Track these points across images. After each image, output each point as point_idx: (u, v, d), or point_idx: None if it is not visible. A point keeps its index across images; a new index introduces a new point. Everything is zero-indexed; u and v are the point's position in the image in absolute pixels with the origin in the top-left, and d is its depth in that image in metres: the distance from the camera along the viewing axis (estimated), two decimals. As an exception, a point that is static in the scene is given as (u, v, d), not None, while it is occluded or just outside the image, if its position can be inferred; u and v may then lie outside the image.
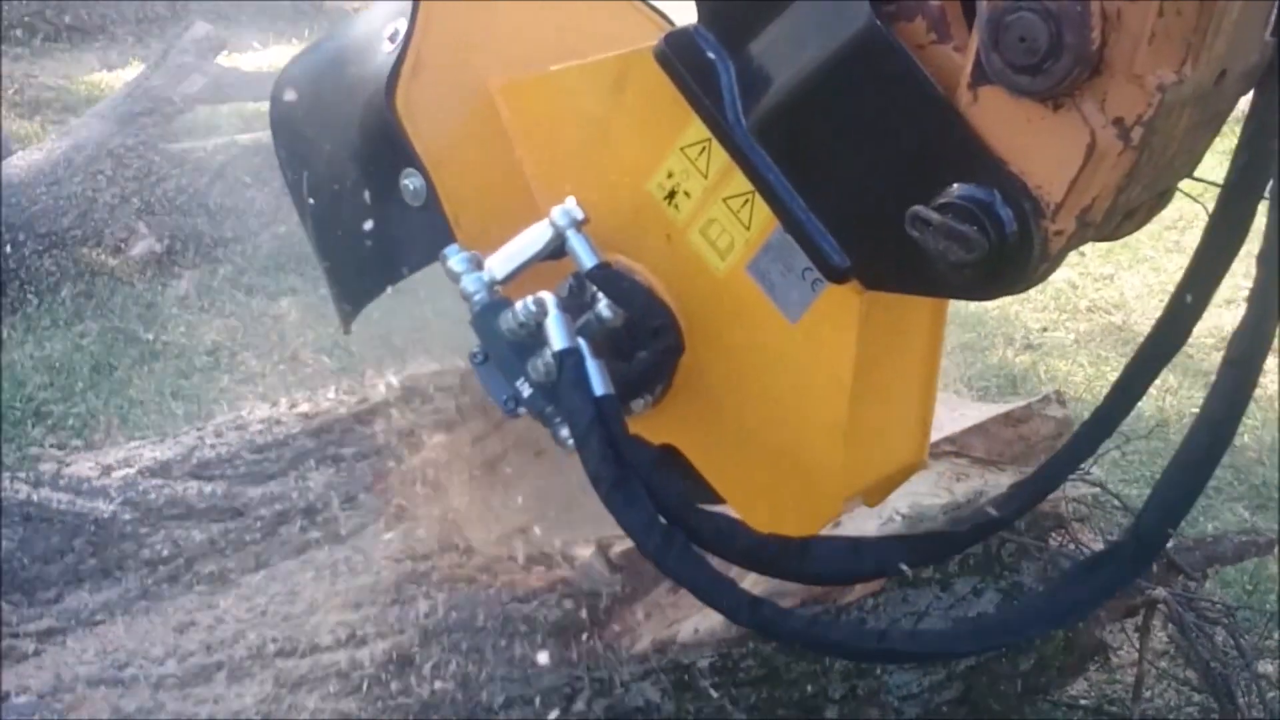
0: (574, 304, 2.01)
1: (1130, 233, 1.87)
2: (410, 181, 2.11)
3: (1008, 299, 5.00)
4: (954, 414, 2.95)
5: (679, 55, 1.88)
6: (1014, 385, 4.83)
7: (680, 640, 2.43)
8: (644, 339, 2.01)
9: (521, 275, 1.99)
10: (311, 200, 2.28)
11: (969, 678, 2.73)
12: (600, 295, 1.99)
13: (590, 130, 2.07)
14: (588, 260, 1.97)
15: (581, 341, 1.87)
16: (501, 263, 1.97)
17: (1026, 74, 1.58)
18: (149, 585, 2.35)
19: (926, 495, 2.65)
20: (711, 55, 1.86)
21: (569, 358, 1.83)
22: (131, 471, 2.47)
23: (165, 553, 2.38)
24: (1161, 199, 1.85)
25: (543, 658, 2.28)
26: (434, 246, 2.02)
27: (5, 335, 4.86)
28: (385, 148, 2.12)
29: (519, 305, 1.90)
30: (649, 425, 2.11)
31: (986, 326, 5.33)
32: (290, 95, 2.31)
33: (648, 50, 1.91)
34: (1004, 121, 1.64)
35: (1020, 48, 1.57)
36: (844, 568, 1.91)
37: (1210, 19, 1.57)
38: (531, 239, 1.97)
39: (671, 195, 1.99)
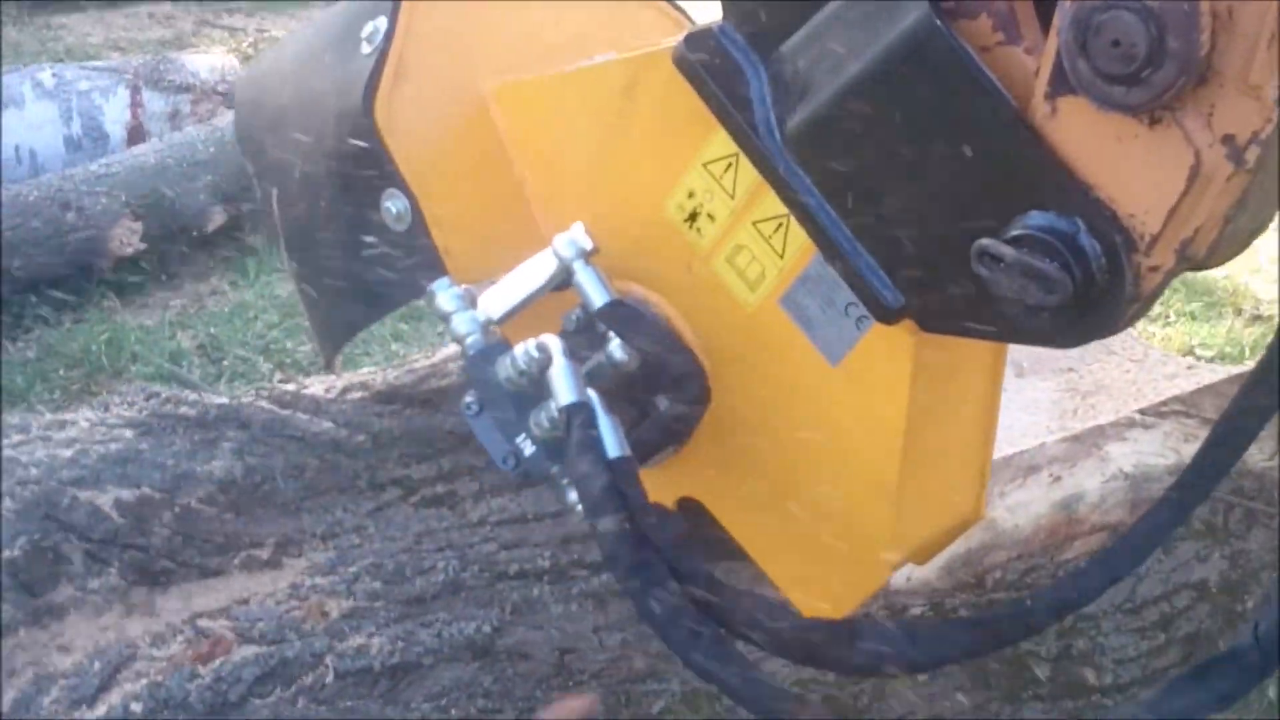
0: (582, 341, 1.76)
1: (1229, 259, 1.61)
2: (393, 204, 1.85)
3: (1239, 263, 4.77)
4: (1174, 378, 2.78)
5: (701, 59, 1.62)
6: (1244, 356, 4.45)
7: (894, 587, 2.29)
8: (664, 386, 1.76)
9: (522, 312, 1.74)
10: (283, 223, 2.03)
11: (1188, 644, 2.57)
12: (613, 334, 1.74)
13: (599, 142, 1.81)
14: (598, 297, 1.72)
15: (593, 394, 1.62)
16: (498, 300, 1.71)
17: (1121, 84, 1.32)
18: (380, 505, 2.32)
19: (1153, 455, 2.47)
20: (739, 59, 1.60)
21: (578, 414, 1.59)
22: (365, 396, 2.43)
23: (395, 476, 2.35)
24: (1265, 223, 1.59)
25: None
26: (421, 278, 1.77)
27: (237, 277, 4.97)
28: (364, 165, 1.86)
29: (519, 350, 1.64)
30: (668, 475, 1.88)
31: (1214, 296, 4.98)
32: (254, 103, 2.05)
33: (664, 52, 1.65)
34: (1089, 138, 1.38)
35: (1114, 53, 1.31)
36: (900, 658, 1.65)
37: None
38: (533, 272, 1.72)
39: (693, 217, 1.74)
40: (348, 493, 2.27)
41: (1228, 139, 1.32)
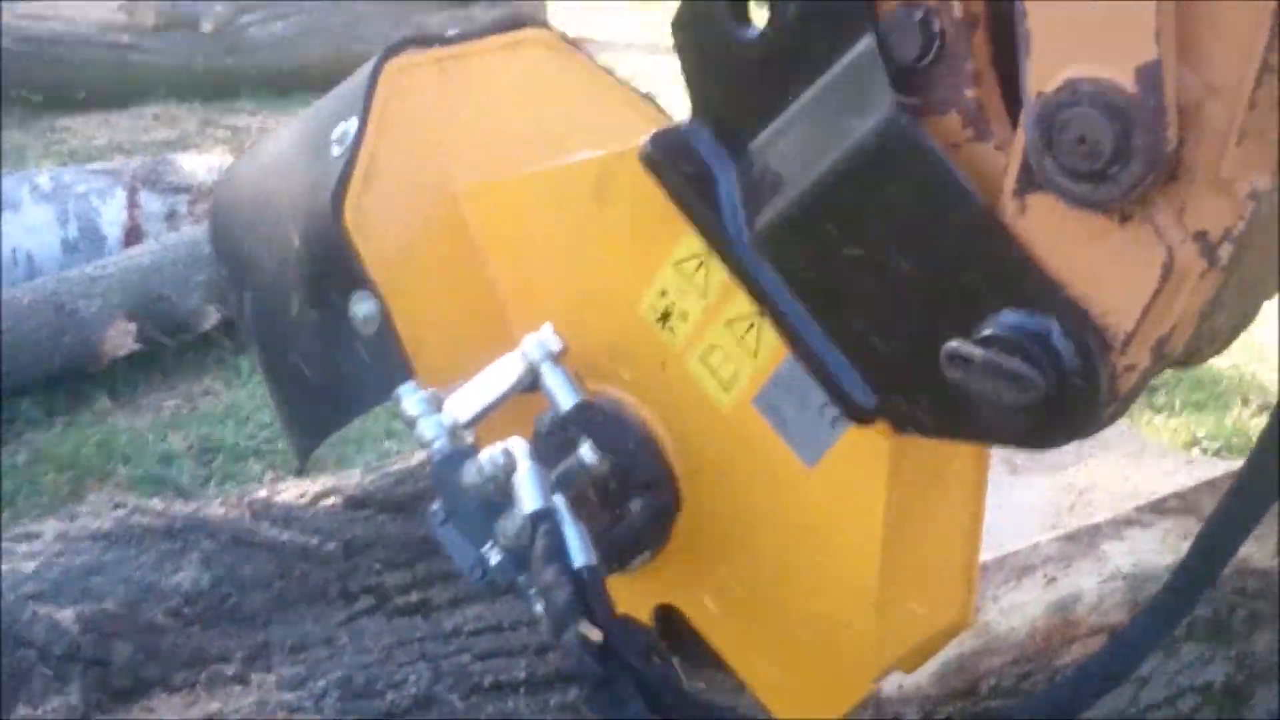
0: (553, 444, 1.72)
1: (1211, 357, 1.57)
2: (361, 306, 1.82)
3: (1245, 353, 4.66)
4: (1172, 474, 2.73)
5: (668, 158, 1.60)
6: (1249, 448, 4.42)
7: (884, 695, 2.23)
8: (635, 489, 1.71)
9: (494, 414, 1.70)
10: (255, 324, 2.00)
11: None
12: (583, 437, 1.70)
13: (571, 242, 1.79)
14: (566, 400, 1.68)
15: (559, 500, 1.58)
16: (465, 403, 1.67)
17: (1088, 181, 1.29)
18: (352, 615, 2.30)
19: (1151, 554, 2.43)
20: (707, 157, 1.58)
21: (543, 522, 1.54)
22: (338, 501, 2.43)
23: (367, 584, 2.34)
24: (1248, 318, 1.56)
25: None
26: (390, 380, 1.73)
27: (231, 377, 4.94)
28: (333, 266, 1.83)
29: (485, 455, 1.61)
30: (645, 582, 1.82)
31: (1220, 386, 4.92)
32: (228, 204, 2.03)
33: (634, 151, 1.63)
34: (1060, 236, 1.35)
35: (1080, 150, 1.28)
36: None
37: None
38: (500, 374, 1.69)
39: (666, 317, 1.71)
40: (318, 603, 2.24)
41: (1200, 236, 1.29)
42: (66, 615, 2.05)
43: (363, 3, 7.87)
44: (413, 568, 2.31)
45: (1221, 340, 1.55)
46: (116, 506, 2.21)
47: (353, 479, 2.42)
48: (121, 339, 4.72)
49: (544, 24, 2.07)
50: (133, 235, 5.37)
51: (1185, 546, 2.37)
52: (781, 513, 1.70)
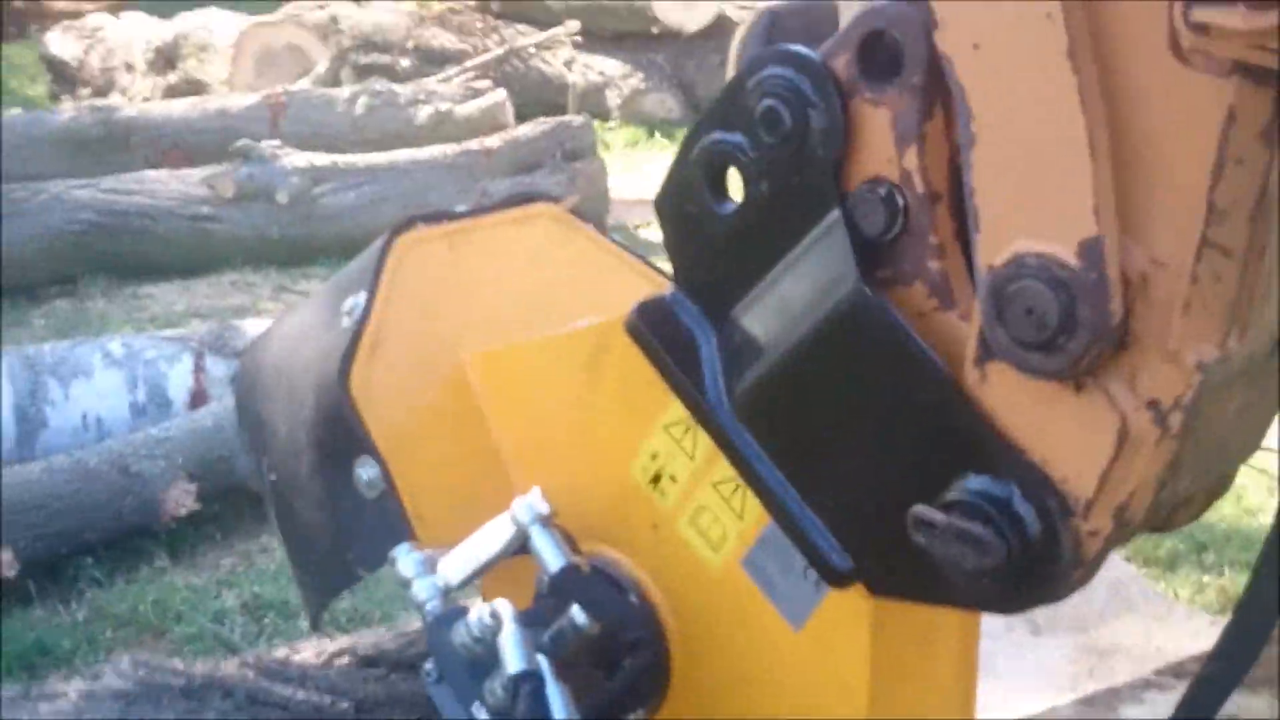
0: (549, 606, 1.76)
1: (1186, 523, 1.58)
2: (364, 470, 1.89)
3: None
4: (1196, 636, 2.67)
5: (652, 327, 1.66)
6: None
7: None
8: (624, 650, 1.74)
9: (485, 576, 1.75)
10: (271, 488, 2.07)
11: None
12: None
13: (568, 406, 1.85)
14: (553, 562, 1.72)
15: (543, 661, 1.61)
16: (456, 565, 1.73)
17: (1038, 351, 1.33)
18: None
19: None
20: (690, 325, 1.65)
21: (525, 683, 1.58)
22: (352, 660, 2.47)
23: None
24: (1221, 483, 1.57)
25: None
26: (392, 543, 1.80)
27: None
28: (339, 432, 1.91)
29: (473, 616, 1.65)
30: (645, 741, 1.83)
31: (1223, 542, 4.75)
32: (250, 373, 2.13)
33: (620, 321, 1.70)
34: (1018, 403, 1.39)
35: (1028, 321, 1.32)
36: None
37: (1259, 282, 1.32)
38: (491, 536, 1.74)
39: (657, 479, 1.75)
40: None
41: (1152, 404, 1.32)
42: (85, 777, 2.08)
43: (430, 171, 8.14)
44: (424, 727, 2.31)
45: (1197, 505, 1.57)
46: (138, 666, 2.25)
47: (368, 638, 2.47)
48: (183, 499, 4.84)
49: (554, 199, 2.16)
50: (198, 398, 5.53)
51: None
52: (771, 673, 1.72)
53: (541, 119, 8.69)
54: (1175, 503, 1.46)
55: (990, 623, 1.77)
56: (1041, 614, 2.78)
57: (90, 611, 4.42)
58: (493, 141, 8.32)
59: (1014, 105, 1.32)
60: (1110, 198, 1.29)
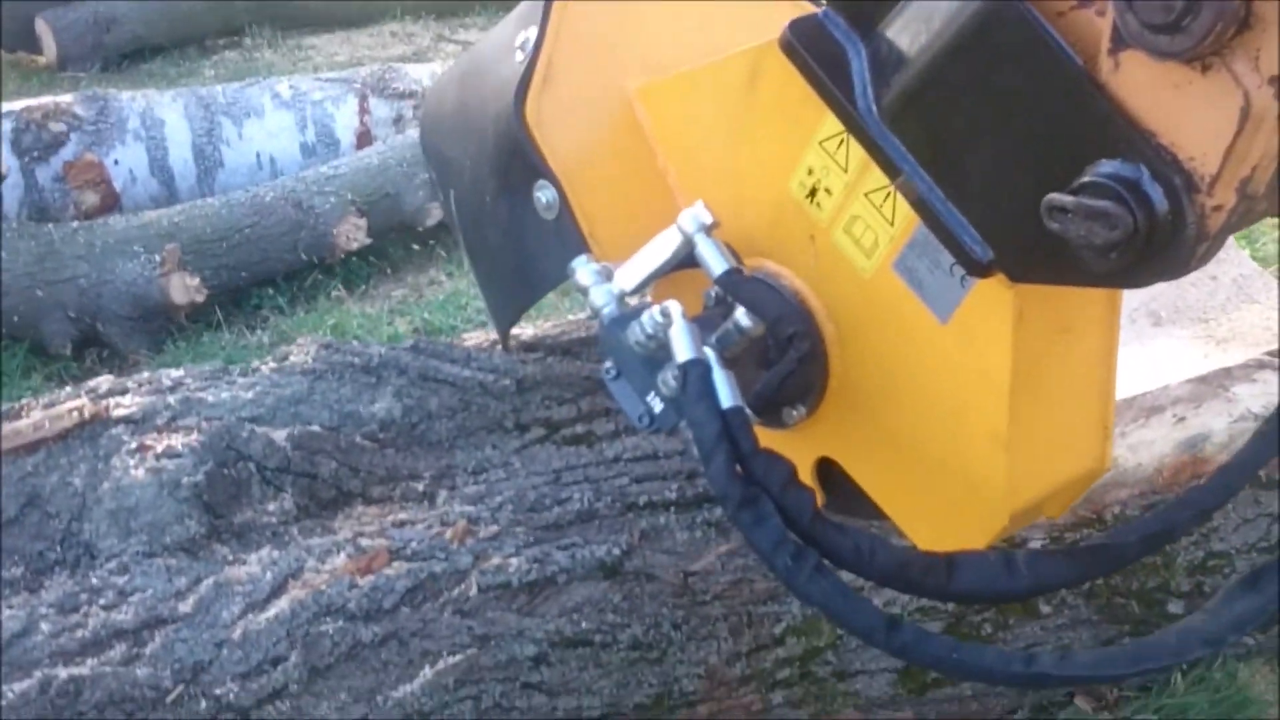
0: (718, 313, 1.92)
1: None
2: (543, 194, 2.04)
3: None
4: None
5: (805, 44, 1.75)
6: None
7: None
8: (784, 346, 1.90)
9: (655, 284, 1.91)
10: (458, 219, 2.24)
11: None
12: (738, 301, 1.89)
13: (729, 130, 1.97)
14: (717, 266, 1.86)
15: (710, 351, 1.77)
16: (629, 273, 1.88)
17: (1165, 33, 1.39)
18: (525, 443, 2.50)
19: None
20: (841, 41, 1.74)
21: (693, 369, 1.73)
22: (513, 345, 2.63)
23: (538, 416, 2.53)
24: None
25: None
26: (571, 258, 1.93)
27: (454, 269, 5.25)
28: (518, 160, 2.06)
29: (645, 316, 1.81)
30: (807, 437, 2.01)
31: None
32: (434, 112, 2.27)
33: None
34: (1149, 89, 1.46)
35: (1155, 5, 1.38)
36: (996, 586, 1.76)
37: None
38: (660, 247, 1.88)
39: (813, 193, 1.87)
40: (495, 432, 2.46)
41: (1275, 80, 1.38)
42: (279, 435, 2.30)
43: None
44: (578, 403, 2.50)
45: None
46: (324, 347, 2.44)
47: (527, 330, 2.62)
48: (353, 232, 5.10)
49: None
50: (364, 139, 5.74)
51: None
52: (921, 366, 1.86)
53: None
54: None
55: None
56: (1165, 306, 2.82)
57: (274, 335, 4.75)
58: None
59: None
60: None
